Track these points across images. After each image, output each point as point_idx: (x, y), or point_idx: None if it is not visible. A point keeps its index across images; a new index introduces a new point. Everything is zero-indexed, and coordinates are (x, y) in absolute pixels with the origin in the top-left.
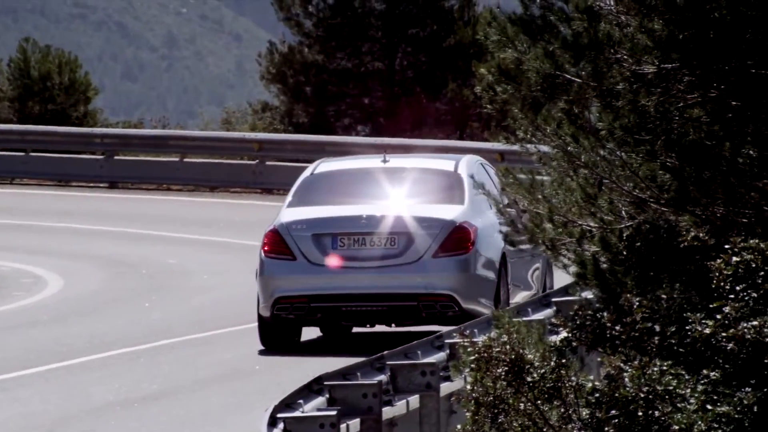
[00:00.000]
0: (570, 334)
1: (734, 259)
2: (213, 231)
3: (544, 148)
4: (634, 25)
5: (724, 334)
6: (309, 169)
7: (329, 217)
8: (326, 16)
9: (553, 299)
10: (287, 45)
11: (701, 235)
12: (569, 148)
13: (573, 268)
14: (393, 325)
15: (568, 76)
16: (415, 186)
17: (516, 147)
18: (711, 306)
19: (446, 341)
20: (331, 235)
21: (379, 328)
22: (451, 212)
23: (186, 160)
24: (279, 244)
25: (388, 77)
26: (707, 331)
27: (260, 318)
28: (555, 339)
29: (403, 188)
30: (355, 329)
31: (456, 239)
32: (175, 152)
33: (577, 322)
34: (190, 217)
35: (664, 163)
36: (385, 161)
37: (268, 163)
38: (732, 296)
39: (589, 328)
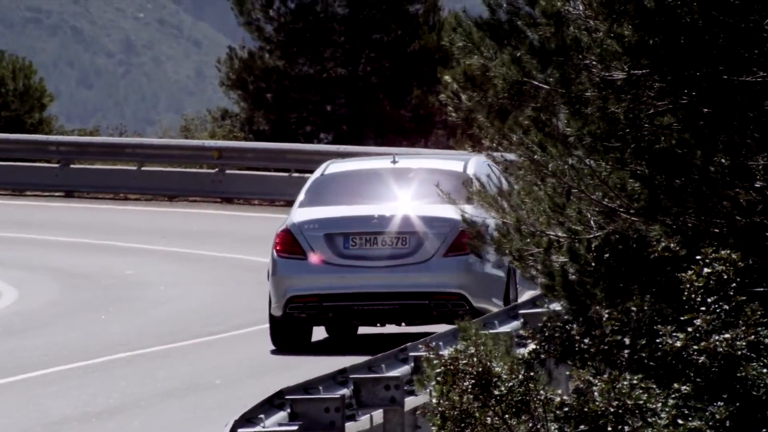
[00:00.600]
0: (538, 347)
1: (706, 270)
2: (171, 241)
3: (511, 157)
4: (603, 30)
5: (695, 347)
6: (319, 170)
7: (341, 217)
8: (288, 21)
9: (521, 311)
10: (247, 50)
11: (672, 245)
12: (536, 157)
13: (541, 280)
14: (403, 324)
15: (536, 83)
16: (425, 186)
17: (482, 156)
18: (682, 318)
19: (411, 354)
20: (343, 234)
21: (372, 329)
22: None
23: (144, 168)
24: (291, 244)
25: (351, 84)
26: (678, 344)
27: (272, 318)
28: (523, 351)
29: (413, 189)
30: (361, 330)
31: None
32: (132, 160)
33: (546, 335)
34: (148, 227)
35: (634, 171)
36: (394, 162)
37: (227, 171)
38: (703, 308)
39: (557, 340)
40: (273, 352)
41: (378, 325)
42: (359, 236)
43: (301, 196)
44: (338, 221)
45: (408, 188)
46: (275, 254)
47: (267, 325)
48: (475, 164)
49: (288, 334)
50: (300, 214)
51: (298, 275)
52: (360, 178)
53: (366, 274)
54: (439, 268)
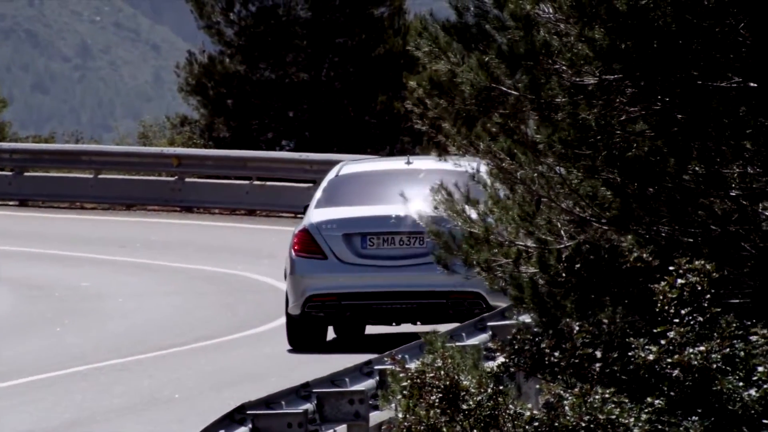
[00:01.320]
0: (507, 360)
1: (679, 281)
2: (129, 251)
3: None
4: (574, 34)
5: (669, 360)
6: (334, 171)
7: (359, 216)
8: (249, 25)
9: (489, 323)
10: (207, 55)
11: (645, 255)
12: (505, 165)
13: (510, 291)
14: (419, 323)
15: (504, 89)
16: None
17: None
18: (655, 331)
19: (376, 367)
20: (361, 234)
21: (376, 329)
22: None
23: (100, 176)
24: (310, 244)
25: (314, 89)
26: (651, 357)
27: (289, 317)
28: (491, 365)
29: (428, 189)
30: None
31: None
32: (88, 168)
33: (515, 347)
34: (105, 237)
35: (606, 179)
36: (408, 163)
37: (187, 179)
38: (677, 320)
39: (527, 353)
40: (234, 365)
41: (393, 324)
42: (377, 236)
43: (317, 197)
44: (356, 221)
45: (423, 188)
46: (293, 254)
47: (228, 337)
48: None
49: (304, 334)
50: (317, 214)
51: (317, 274)
52: (375, 179)
53: (384, 274)
54: (457, 267)
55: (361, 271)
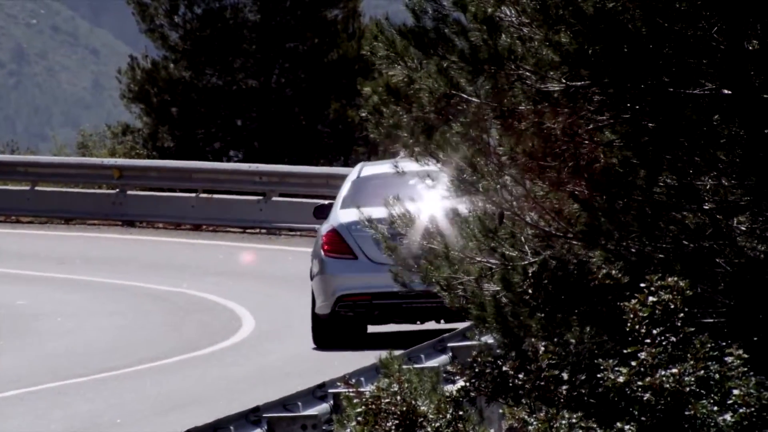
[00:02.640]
0: (468, 383)
1: (651, 299)
2: (68, 268)
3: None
4: (539, 38)
5: (639, 383)
6: (354, 173)
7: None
8: (194, 28)
9: (449, 344)
10: (150, 60)
11: (614, 272)
12: (466, 176)
13: (471, 310)
14: (442, 321)
15: (465, 96)
16: None
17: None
18: (625, 351)
19: (330, 391)
20: (392, 235)
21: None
22: None
23: (37, 188)
24: (339, 244)
25: (264, 96)
26: (621, 379)
27: (315, 318)
28: (451, 389)
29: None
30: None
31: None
32: (24, 180)
33: (476, 370)
34: (42, 253)
35: (572, 192)
36: (426, 164)
37: (129, 192)
38: (648, 341)
39: (489, 376)
40: (180, 388)
41: (418, 322)
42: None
43: (341, 197)
44: (385, 222)
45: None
46: (323, 254)
47: (173, 359)
48: None
49: (330, 333)
50: (345, 214)
51: (349, 274)
52: (399, 180)
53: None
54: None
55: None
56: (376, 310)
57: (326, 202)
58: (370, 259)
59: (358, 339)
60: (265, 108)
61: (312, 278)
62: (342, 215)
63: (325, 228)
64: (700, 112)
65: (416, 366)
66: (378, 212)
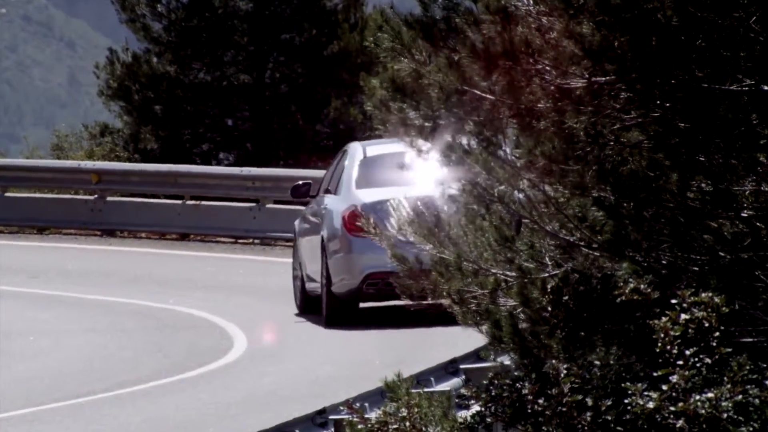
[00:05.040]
0: (483, 408)
1: (683, 316)
2: (41, 282)
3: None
4: (559, 30)
5: (671, 409)
6: (358, 153)
7: (414, 197)
8: (180, 18)
9: (462, 366)
10: (131, 53)
11: (642, 286)
12: (480, 180)
13: (486, 328)
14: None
15: (478, 92)
16: None
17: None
18: (655, 374)
19: (331, 417)
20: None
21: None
22: None
23: (7, 194)
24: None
25: (257, 93)
26: (651, 404)
27: (330, 296)
28: (464, 414)
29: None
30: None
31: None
32: None
33: (492, 394)
34: (14, 265)
35: (597, 198)
36: None
37: (109, 198)
38: (681, 362)
39: (506, 400)
40: (165, 414)
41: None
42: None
43: (353, 177)
44: (411, 201)
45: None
46: (347, 233)
47: (157, 382)
48: None
49: (343, 311)
50: (366, 194)
51: (376, 253)
52: (407, 159)
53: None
54: None
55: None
56: None
57: (302, 181)
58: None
59: (356, 316)
60: (258, 106)
61: (329, 258)
62: (363, 195)
63: (343, 207)
64: (737, 110)
65: (426, 390)
66: (395, 192)
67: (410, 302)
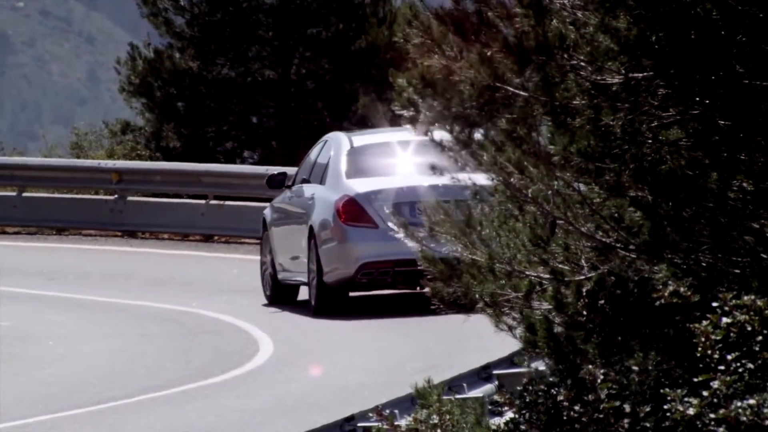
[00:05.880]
0: (517, 416)
1: (724, 320)
2: (60, 284)
3: (482, 180)
4: (594, 24)
5: (712, 416)
6: (344, 143)
7: (408, 186)
8: (203, 12)
9: (495, 371)
10: (153, 48)
11: (682, 289)
12: (513, 180)
13: (519, 332)
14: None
15: (511, 89)
16: None
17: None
18: (695, 380)
19: (359, 425)
20: (410, 203)
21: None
22: None
23: (25, 194)
24: (359, 213)
25: (282, 89)
26: (691, 411)
27: (321, 285)
28: (498, 421)
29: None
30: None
31: None
32: (10, 185)
33: (526, 400)
34: (31, 267)
35: (634, 198)
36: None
37: (130, 198)
38: (722, 367)
39: (541, 407)
40: (188, 421)
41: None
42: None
43: (342, 167)
44: (405, 191)
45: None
46: (341, 223)
47: (180, 388)
48: None
49: (333, 301)
50: (358, 184)
51: (371, 243)
52: (394, 149)
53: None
54: None
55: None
56: (399, 276)
57: (276, 171)
58: (390, 227)
59: (346, 305)
60: (283, 103)
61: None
62: (355, 185)
63: (336, 197)
64: None
65: (458, 396)
66: (386, 182)
67: (400, 290)
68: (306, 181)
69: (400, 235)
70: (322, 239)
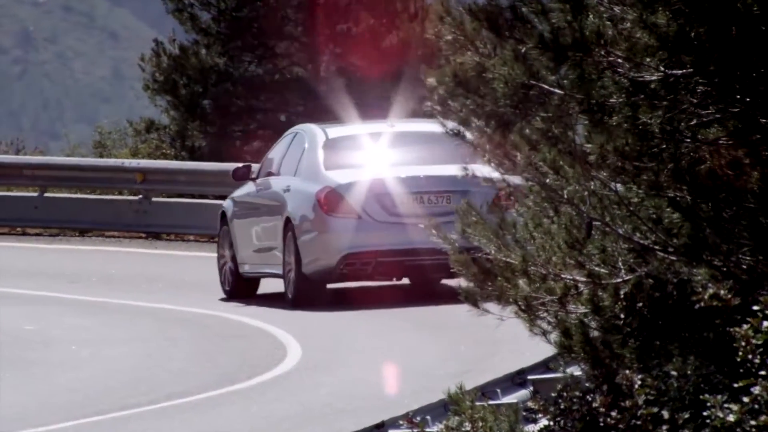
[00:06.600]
0: (552, 422)
1: (765, 324)
2: (83, 287)
3: (516, 180)
4: (632, 19)
5: (753, 423)
6: (319, 135)
7: (389, 177)
8: (229, 7)
9: (530, 377)
10: (178, 45)
11: (722, 292)
12: (548, 180)
13: (554, 336)
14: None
15: (546, 86)
16: (436, 148)
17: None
18: (736, 385)
19: (389, 431)
20: (391, 194)
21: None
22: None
23: (47, 195)
24: (341, 204)
25: (311, 87)
26: (731, 417)
27: (299, 277)
28: (532, 428)
29: (426, 151)
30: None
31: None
32: (32, 185)
33: (561, 407)
34: (53, 270)
35: (673, 198)
36: (392, 126)
37: (154, 199)
38: (763, 372)
39: (576, 414)
40: (214, 427)
41: (401, 278)
42: (407, 195)
43: (319, 158)
44: (386, 182)
45: (421, 151)
46: (323, 214)
47: (208, 394)
48: None
49: (310, 292)
50: (339, 176)
51: (354, 234)
52: (369, 141)
53: (417, 232)
54: None
55: (396, 229)
56: (382, 266)
57: (242, 164)
58: (373, 218)
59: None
60: (312, 100)
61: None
62: (336, 176)
63: (316, 189)
64: None
65: (491, 402)
66: (366, 173)
67: (380, 282)
68: (271, 173)
69: (428, 232)
70: (302, 230)
